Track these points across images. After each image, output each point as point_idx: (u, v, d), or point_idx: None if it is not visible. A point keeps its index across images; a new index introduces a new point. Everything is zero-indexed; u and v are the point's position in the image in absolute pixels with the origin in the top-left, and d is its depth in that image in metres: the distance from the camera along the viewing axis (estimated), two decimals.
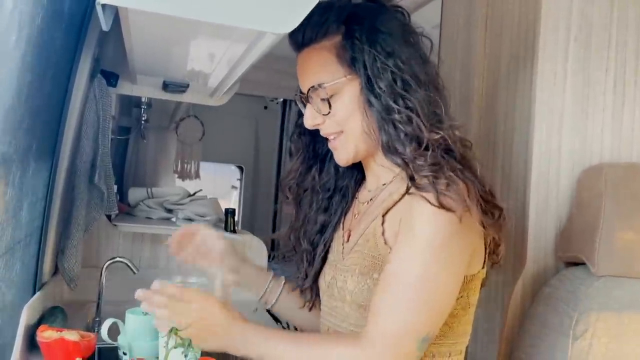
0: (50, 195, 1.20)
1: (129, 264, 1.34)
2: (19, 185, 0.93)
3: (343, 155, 0.95)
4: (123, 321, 1.08)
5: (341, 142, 0.94)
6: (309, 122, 0.95)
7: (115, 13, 0.87)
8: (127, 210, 1.90)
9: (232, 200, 3.84)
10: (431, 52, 0.96)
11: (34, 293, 1.15)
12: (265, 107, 3.74)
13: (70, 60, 1.21)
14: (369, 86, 0.88)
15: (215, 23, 0.75)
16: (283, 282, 1.09)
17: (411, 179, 0.86)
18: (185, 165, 2.85)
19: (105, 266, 1.36)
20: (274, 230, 3.80)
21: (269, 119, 3.76)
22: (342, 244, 1.00)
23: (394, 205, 0.90)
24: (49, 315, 1.13)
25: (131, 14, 0.82)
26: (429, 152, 0.86)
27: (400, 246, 0.84)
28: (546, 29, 1.21)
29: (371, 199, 0.98)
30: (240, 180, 3.79)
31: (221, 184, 3.88)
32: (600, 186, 1.14)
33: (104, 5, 0.74)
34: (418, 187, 0.84)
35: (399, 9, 0.96)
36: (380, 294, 0.83)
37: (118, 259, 1.36)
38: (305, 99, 0.95)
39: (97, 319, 1.36)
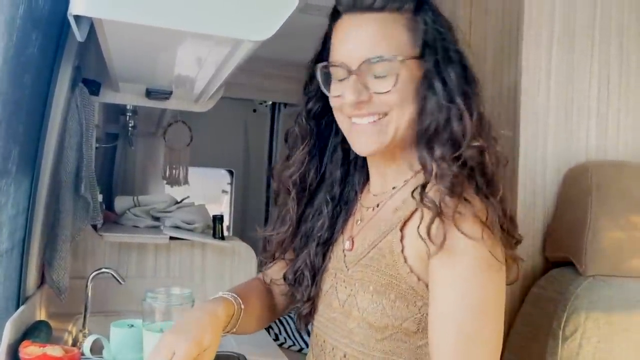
0: (32, 206, 1.18)
1: (115, 274, 1.33)
2: (1, 200, 0.92)
3: (376, 141, 0.84)
4: (109, 333, 1.07)
5: (382, 125, 0.84)
6: (352, 98, 0.82)
7: (90, 22, 0.85)
8: (114, 219, 1.88)
9: (223, 205, 3.82)
10: None
11: (18, 307, 1.14)
12: (254, 111, 3.71)
13: (50, 69, 1.19)
14: (438, 72, 0.81)
15: (191, 32, 0.74)
16: (242, 307, 0.91)
17: (422, 187, 0.79)
18: (174, 171, 2.82)
19: (91, 277, 1.34)
20: None
21: (258, 122, 3.74)
22: (344, 251, 0.92)
23: (411, 216, 0.82)
24: (33, 330, 1.11)
25: (106, 24, 0.80)
26: (459, 161, 0.79)
27: (446, 281, 0.77)
28: (529, 31, 1.21)
29: (377, 205, 0.91)
30: (231, 184, 3.77)
31: (212, 188, 3.86)
32: (587, 185, 1.14)
33: (77, 16, 0.73)
34: (424, 199, 0.77)
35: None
36: (457, 329, 0.75)
37: (104, 269, 1.35)
38: (348, 71, 0.82)
39: (83, 331, 1.34)
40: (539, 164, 1.23)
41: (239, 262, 1.77)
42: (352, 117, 0.86)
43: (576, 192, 1.17)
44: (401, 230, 0.83)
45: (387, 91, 0.81)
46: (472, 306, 0.76)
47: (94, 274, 1.34)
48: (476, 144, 0.79)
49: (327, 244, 0.96)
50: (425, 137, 0.82)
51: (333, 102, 0.88)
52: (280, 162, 0.98)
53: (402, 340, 0.82)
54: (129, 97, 1.49)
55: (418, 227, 0.79)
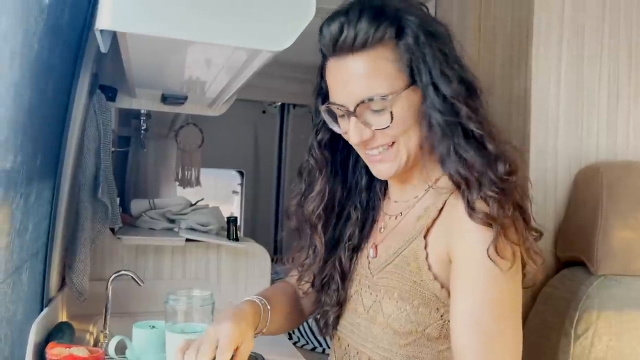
0: (54, 211, 1.21)
1: (134, 276, 1.36)
2: (25, 204, 0.95)
3: (391, 167, 0.87)
4: (130, 334, 1.10)
5: (393, 153, 0.86)
6: (356, 139, 0.84)
7: (113, 33, 0.88)
8: (130, 222, 1.91)
9: (234, 205, 3.86)
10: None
11: (42, 309, 1.17)
12: (264, 112, 3.75)
13: (70, 77, 1.22)
14: (436, 93, 0.81)
15: (210, 43, 0.77)
16: (269, 308, 0.94)
17: (467, 198, 0.79)
18: (186, 173, 2.86)
19: (111, 279, 1.38)
20: (276, 233, 3.82)
21: (267, 124, 3.78)
22: (368, 258, 0.94)
23: (433, 224, 0.84)
24: (57, 331, 1.14)
25: (129, 37, 0.83)
26: (502, 167, 0.80)
27: (467, 287, 0.79)
28: (539, 34, 1.23)
29: (401, 213, 0.92)
30: (242, 185, 3.81)
31: (222, 189, 3.89)
32: (597, 185, 1.15)
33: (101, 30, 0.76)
34: (473, 209, 0.78)
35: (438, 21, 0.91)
36: (477, 333, 0.78)
37: (123, 271, 1.38)
38: (347, 112, 0.84)
39: (104, 332, 1.38)
40: (550, 166, 1.25)
41: (253, 262, 1.80)
42: (364, 150, 0.89)
43: (587, 193, 1.19)
44: (425, 237, 0.85)
45: (387, 126, 0.83)
46: (492, 309, 0.78)
47: (113, 276, 1.38)
48: (503, 149, 0.81)
49: (356, 250, 0.98)
50: (451, 155, 0.82)
51: (345, 137, 0.90)
52: (296, 199, 0.98)
53: (424, 345, 0.84)
54: (145, 102, 1.52)
55: (425, 236, 0.83)
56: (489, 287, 0.79)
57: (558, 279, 1.19)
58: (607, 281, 1.10)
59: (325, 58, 0.87)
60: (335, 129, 0.90)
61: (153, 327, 1.09)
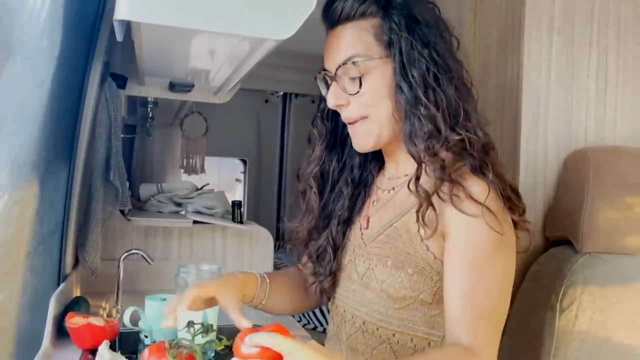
0: (69, 193, 1.28)
1: (145, 255, 1.43)
2: (47, 186, 1.02)
3: (364, 141, 0.94)
4: (142, 308, 1.17)
5: (365, 127, 0.93)
6: (332, 102, 0.93)
7: (127, 23, 0.94)
8: (138, 206, 1.98)
9: (236, 193, 3.92)
10: (458, 50, 0.96)
11: (59, 284, 1.24)
12: (266, 101, 3.80)
13: (83, 65, 1.28)
14: (403, 72, 0.87)
15: (219, 32, 0.82)
16: (267, 281, 1.01)
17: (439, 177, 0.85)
18: (191, 161, 2.92)
19: (122, 257, 1.45)
20: (277, 220, 3.88)
21: (270, 113, 3.82)
22: (360, 230, 1.00)
23: (428, 207, 0.87)
24: (74, 305, 1.21)
25: (143, 26, 0.89)
26: (443, 153, 0.86)
27: (456, 259, 0.85)
28: (531, 22, 1.28)
29: (393, 188, 0.98)
30: (244, 173, 3.86)
31: (226, 177, 3.95)
32: (585, 169, 1.21)
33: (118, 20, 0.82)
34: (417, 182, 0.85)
35: (432, 2, 0.97)
36: (470, 304, 0.83)
37: (134, 250, 1.45)
38: (331, 77, 0.93)
39: (117, 307, 1.45)
40: (540, 149, 1.30)
41: (257, 244, 1.87)
42: (343, 119, 0.97)
43: (575, 176, 1.24)
44: (417, 212, 0.89)
45: (357, 92, 0.90)
46: (480, 281, 0.84)
47: (125, 254, 1.45)
48: (455, 137, 0.86)
49: (347, 223, 1.04)
50: (407, 134, 0.89)
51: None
52: (305, 164, 1.06)
53: (418, 310, 0.90)
54: (154, 90, 1.58)
55: (417, 212, 0.87)
56: (483, 264, 0.84)
57: (546, 257, 1.25)
58: (592, 259, 1.16)
59: (327, 33, 0.96)
60: (324, 93, 0.98)
61: (164, 299, 1.16)
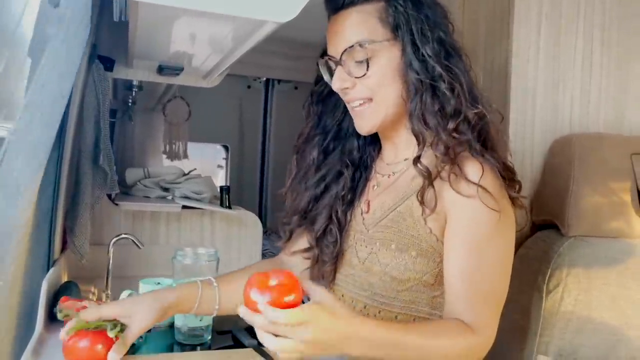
0: (58, 177, 1.26)
1: (135, 239, 1.42)
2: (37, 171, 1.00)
3: (369, 122, 0.95)
4: (136, 291, 1.17)
5: (370, 108, 0.94)
6: (337, 85, 0.94)
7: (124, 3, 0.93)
8: (123, 190, 1.96)
9: (218, 179, 3.89)
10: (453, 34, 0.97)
11: (48, 269, 1.23)
12: (249, 87, 3.76)
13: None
14: (414, 51, 0.89)
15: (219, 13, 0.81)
16: (215, 284, 0.98)
17: (445, 153, 0.88)
18: (174, 146, 2.88)
19: (112, 242, 1.43)
20: (260, 207, 3.87)
21: (252, 98, 3.79)
22: (362, 214, 1.01)
23: (428, 186, 0.90)
24: (65, 289, 1.20)
25: (140, 5, 0.88)
26: (465, 127, 0.88)
27: (457, 239, 0.87)
28: (520, 8, 1.30)
29: (393, 173, 0.99)
30: (226, 159, 3.83)
31: (208, 163, 3.92)
32: (570, 155, 1.24)
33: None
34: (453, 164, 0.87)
35: None
36: (469, 283, 0.86)
37: (124, 235, 1.44)
38: (335, 62, 0.94)
39: (106, 292, 1.44)
40: (527, 136, 1.33)
41: (245, 229, 1.87)
42: (346, 101, 0.98)
43: (560, 161, 1.27)
44: (418, 195, 0.91)
45: (364, 75, 0.91)
46: (481, 260, 0.87)
47: (115, 239, 1.43)
48: (475, 110, 0.89)
49: (351, 205, 1.04)
50: (416, 111, 0.90)
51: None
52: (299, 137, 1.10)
53: (420, 291, 0.92)
54: (141, 73, 1.56)
55: (417, 193, 0.90)
56: (483, 243, 0.87)
57: (532, 240, 1.29)
58: (577, 242, 1.20)
59: (328, 18, 0.97)
60: (327, 79, 0.99)
61: (159, 283, 1.15)
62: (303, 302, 0.73)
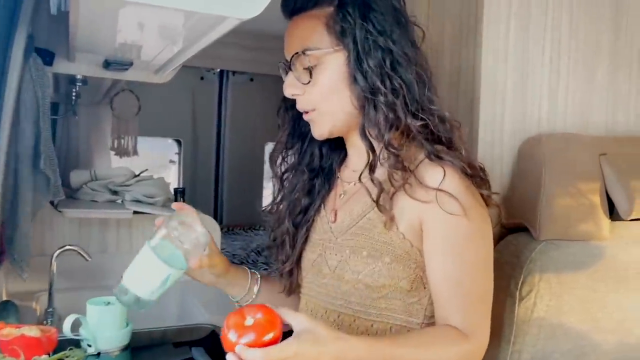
0: None
1: (81, 251, 1.30)
2: None
3: (318, 129, 0.95)
4: (76, 310, 1.06)
5: (317, 117, 0.94)
6: (287, 91, 0.94)
7: None
8: (68, 194, 1.81)
9: (170, 175, 3.75)
10: (422, 42, 0.96)
11: None
12: (202, 78, 3.63)
13: (6, 38, 1.13)
14: (357, 62, 0.88)
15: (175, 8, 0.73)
16: (258, 277, 1.07)
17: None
18: (122, 141, 2.74)
19: (55, 254, 1.31)
20: (216, 203, 3.77)
21: (205, 90, 3.67)
22: (328, 223, 0.99)
23: (395, 193, 0.89)
24: (1, 311, 1.08)
25: None
26: (404, 140, 0.88)
27: (444, 247, 0.87)
28: (489, 8, 1.26)
29: (359, 179, 0.97)
30: (179, 154, 3.70)
31: (159, 159, 3.77)
32: (540, 156, 1.22)
33: None
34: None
35: None
36: (455, 288, 0.86)
37: (69, 247, 1.32)
38: (288, 67, 0.93)
39: (50, 310, 1.32)
40: (496, 136, 1.30)
41: None
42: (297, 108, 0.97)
43: (530, 163, 1.25)
44: (390, 200, 0.89)
45: (308, 82, 0.91)
46: (464, 263, 0.87)
47: (58, 251, 1.31)
48: (417, 123, 0.88)
49: (307, 211, 1.03)
50: (360, 122, 0.90)
51: None
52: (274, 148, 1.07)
53: (396, 298, 0.90)
54: (85, 68, 1.43)
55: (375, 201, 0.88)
56: (465, 249, 0.87)
57: (503, 244, 1.26)
58: (548, 245, 1.18)
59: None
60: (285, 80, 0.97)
61: (108, 303, 1.05)
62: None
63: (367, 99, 0.88)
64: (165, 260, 0.86)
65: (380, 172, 0.91)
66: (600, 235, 1.21)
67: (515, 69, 1.29)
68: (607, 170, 1.25)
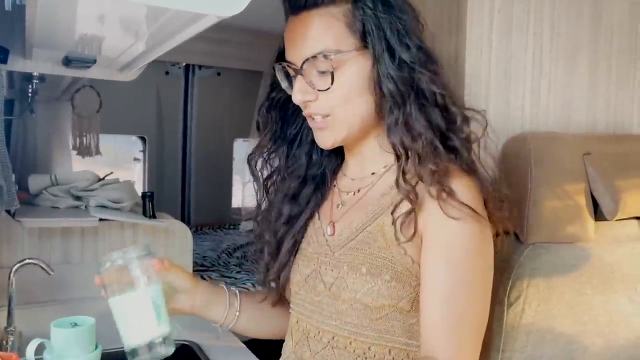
0: None
1: (43, 265, 1.20)
2: None
3: (330, 137, 0.87)
4: (40, 328, 0.97)
5: (332, 123, 0.85)
6: (298, 98, 0.84)
7: None
8: (27, 199, 1.69)
9: (135, 174, 3.63)
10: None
11: None
12: (167, 73, 3.53)
13: None
14: (391, 59, 0.80)
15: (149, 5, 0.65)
16: (236, 291, 1.00)
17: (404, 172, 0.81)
18: (84, 140, 2.61)
19: (14, 269, 1.21)
20: (183, 202, 3.68)
21: (171, 85, 3.56)
22: (325, 236, 0.93)
23: (401, 201, 0.83)
24: None
25: None
26: (458, 140, 0.83)
27: (441, 263, 0.81)
28: (472, 4, 1.22)
29: (359, 190, 0.91)
30: (144, 151, 3.58)
31: (123, 157, 3.65)
32: (526, 156, 1.19)
33: None
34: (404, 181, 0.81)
35: None
36: (449, 310, 0.81)
37: (28, 260, 1.22)
38: (295, 70, 0.84)
39: (10, 329, 1.22)
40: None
41: (173, 241, 1.68)
42: (306, 115, 0.88)
43: (515, 163, 1.22)
44: (392, 214, 0.84)
45: (327, 88, 0.82)
46: (462, 286, 0.81)
47: (17, 265, 1.21)
48: (465, 121, 0.84)
49: (292, 221, 0.97)
50: (399, 124, 0.81)
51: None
52: (253, 151, 0.99)
53: (396, 319, 0.85)
54: (43, 65, 1.33)
55: (392, 212, 0.82)
56: (464, 268, 0.81)
57: None
58: (536, 249, 1.15)
59: (286, 19, 0.87)
60: (284, 86, 0.89)
61: (75, 324, 0.97)
62: None
63: (410, 99, 0.81)
64: (134, 291, 0.80)
65: (388, 184, 0.85)
66: (586, 237, 1.19)
67: (498, 67, 1.26)
68: (591, 171, 1.23)
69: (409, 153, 0.81)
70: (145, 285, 0.82)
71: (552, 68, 1.33)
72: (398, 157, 0.83)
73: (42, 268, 1.21)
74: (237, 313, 0.99)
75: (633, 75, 1.39)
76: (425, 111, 0.81)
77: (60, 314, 1.01)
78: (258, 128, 0.97)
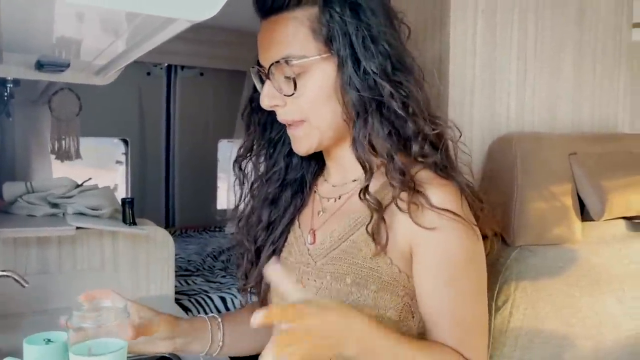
0: None
1: (17, 277, 1.16)
2: None
3: (304, 144, 0.85)
4: (14, 343, 0.93)
5: (304, 131, 0.84)
6: (265, 102, 0.83)
7: None
8: (2, 207, 1.64)
9: (117, 177, 3.57)
10: (408, 39, 0.88)
11: None
12: (149, 74, 3.47)
13: None
14: (352, 69, 0.78)
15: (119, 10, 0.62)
16: (219, 320, 0.97)
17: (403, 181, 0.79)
18: (64, 144, 2.55)
19: None
20: (167, 204, 3.64)
21: (153, 86, 3.51)
22: (305, 244, 0.90)
23: (385, 209, 0.81)
24: None
25: None
26: (429, 149, 0.81)
27: (440, 278, 0.80)
28: (456, 6, 1.21)
29: (340, 197, 0.89)
30: (126, 154, 3.52)
31: (104, 160, 3.58)
32: (512, 157, 1.17)
33: None
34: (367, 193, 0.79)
35: None
36: (455, 320, 0.80)
37: (1, 272, 1.17)
38: (265, 75, 0.83)
39: None
40: (465, 137, 1.25)
41: (155, 248, 1.64)
42: (279, 120, 0.87)
43: (501, 164, 1.21)
44: (367, 227, 0.81)
45: (292, 94, 0.81)
46: (461, 294, 0.80)
47: None
48: (436, 130, 0.81)
49: (271, 227, 0.95)
50: (360, 136, 0.80)
51: None
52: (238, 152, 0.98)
53: None
54: (15, 69, 1.28)
55: (366, 226, 0.80)
56: (459, 276, 0.80)
57: None
58: (523, 252, 1.14)
59: (260, 21, 0.85)
60: (259, 88, 0.88)
61: (49, 340, 0.93)
62: None
63: (372, 109, 0.79)
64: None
65: (374, 190, 0.83)
66: (574, 238, 1.18)
67: (483, 67, 1.25)
68: (577, 171, 1.22)
69: (370, 167, 0.80)
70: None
71: (536, 68, 1.32)
72: (365, 170, 0.81)
73: (16, 280, 1.16)
74: (221, 343, 0.96)
75: (618, 75, 1.38)
76: (388, 122, 0.80)
77: (37, 327, 0.97)
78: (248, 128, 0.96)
